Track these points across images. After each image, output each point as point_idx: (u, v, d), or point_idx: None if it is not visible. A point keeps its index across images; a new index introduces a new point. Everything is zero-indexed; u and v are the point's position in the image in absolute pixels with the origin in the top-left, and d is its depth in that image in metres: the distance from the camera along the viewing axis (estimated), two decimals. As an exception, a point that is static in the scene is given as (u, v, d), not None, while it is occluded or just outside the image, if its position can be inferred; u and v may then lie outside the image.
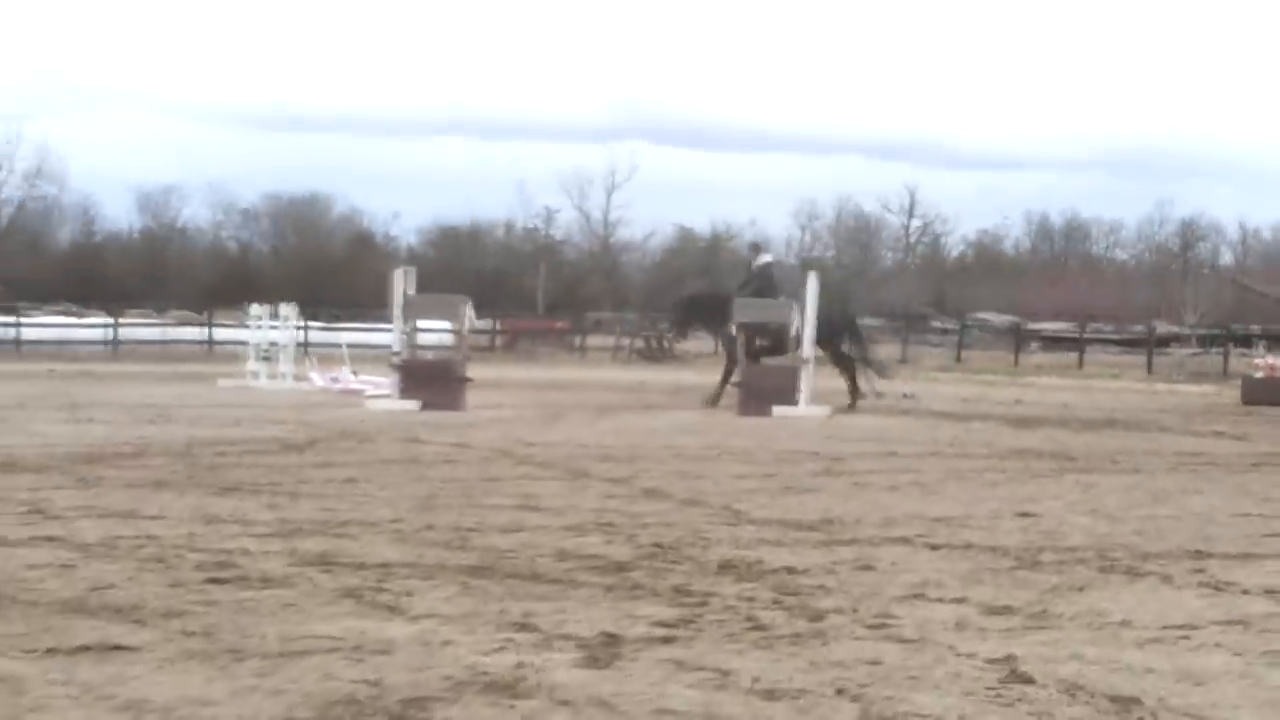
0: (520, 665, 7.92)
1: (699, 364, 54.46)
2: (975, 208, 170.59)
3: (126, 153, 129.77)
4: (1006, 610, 9.77)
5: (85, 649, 8.05)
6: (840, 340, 32.28)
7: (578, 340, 70.94)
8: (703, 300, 33.91)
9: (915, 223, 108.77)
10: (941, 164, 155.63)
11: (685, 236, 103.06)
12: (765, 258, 31.96)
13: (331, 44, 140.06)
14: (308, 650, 8.15)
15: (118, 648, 8.10)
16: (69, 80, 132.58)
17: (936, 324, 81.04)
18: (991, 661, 8.29)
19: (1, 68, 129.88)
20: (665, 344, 62.90)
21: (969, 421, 28.39)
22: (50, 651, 7.98)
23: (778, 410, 28.03)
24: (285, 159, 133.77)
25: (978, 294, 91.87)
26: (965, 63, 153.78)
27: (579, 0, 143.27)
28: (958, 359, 65.94)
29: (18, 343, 59.74)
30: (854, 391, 32.07)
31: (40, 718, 6.78)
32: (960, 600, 10.09)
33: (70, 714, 6.85)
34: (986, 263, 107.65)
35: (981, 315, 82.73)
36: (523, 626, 8.89)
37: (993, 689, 7.71)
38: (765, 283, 31.16)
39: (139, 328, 65.22)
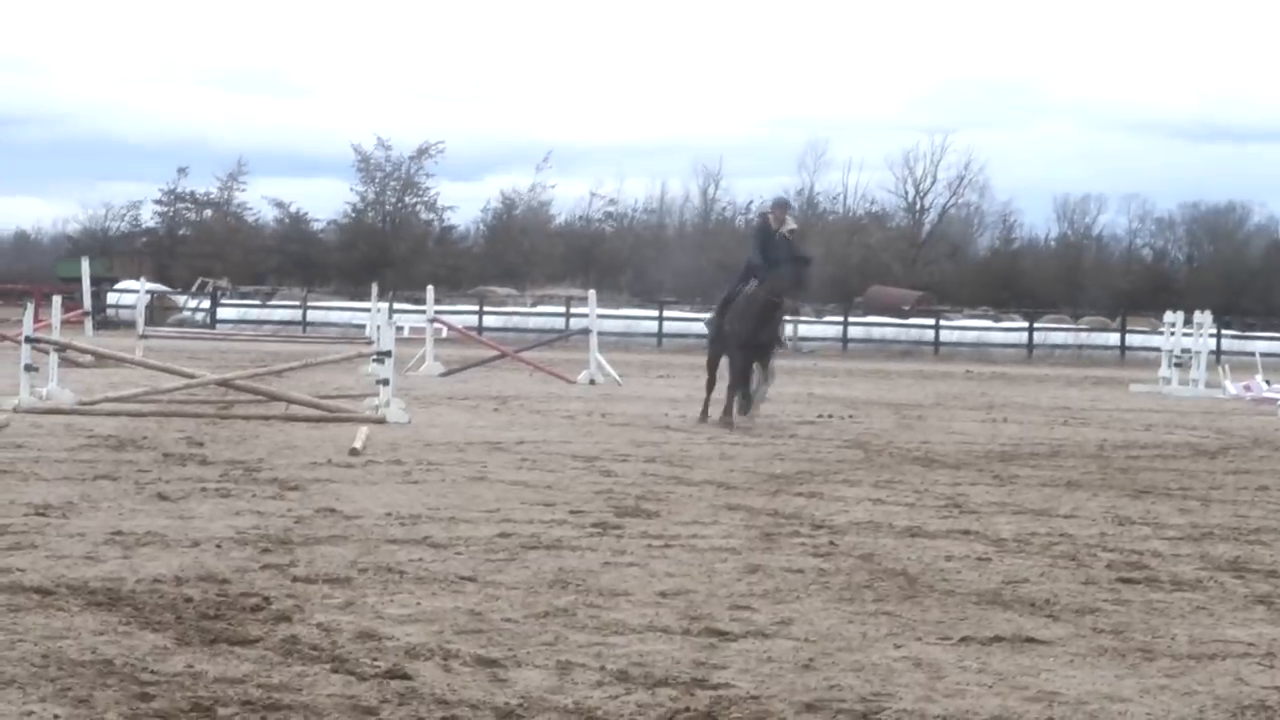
0: None
1: None
2: None
3: (1049, 162, 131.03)
4: None
5: (999, 639, 8.30)
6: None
7: None
8: None
9: None
10: None
11: None
12: (792, 224, 22.91)
13: (1260, 53, 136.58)
14: (1218, 654, 8.13)
15: (1031, 640, 8.31)
16: (1001, 92, 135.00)
17: None
18: None
19: (938, 81, 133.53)
20: None
21: None
22: (965, 640, 8.27)
23: None
24: (1205, 169, 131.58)
25: None
26: None
27: None
28: None
29: (936, 344, 61.46)
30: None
31: (955, 702, 7.04)
32: None
33: (984, 700, 7.08)
34: None
35: None
36: None
37: None
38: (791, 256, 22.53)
39: (1053, 332, 65.78)
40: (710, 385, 22.96)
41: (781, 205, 23.50)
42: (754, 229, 23.31)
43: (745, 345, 21.89)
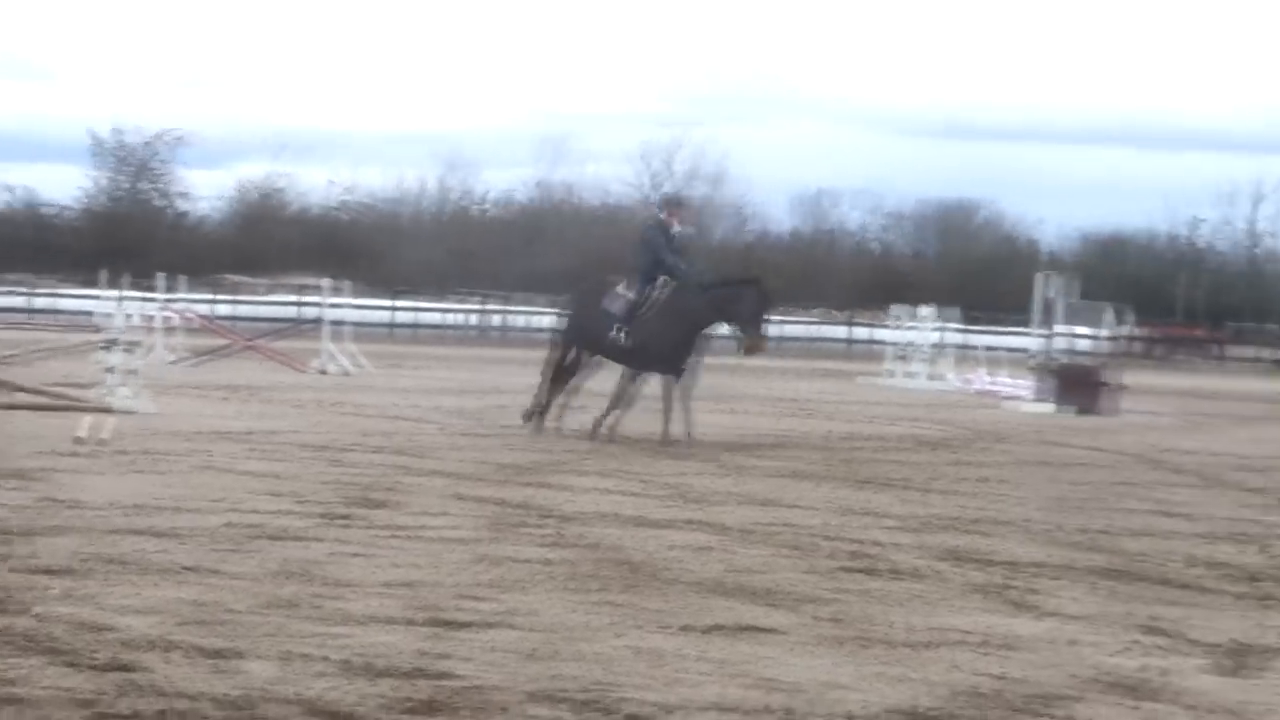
0: (1145, 668, 7.90)
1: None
2: None
3: (787, 158, 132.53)
4: None
5: (720, 627, 8.41)
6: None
7: (1218, 349, 69.29)
8: None
9: None
10: None
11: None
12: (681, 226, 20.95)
13: (995, 52, 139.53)
14: (934, 642, 8.32)
15: (751, 628, 8.44)
16: (744, 88, 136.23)
17: None
18: None
19: (677, 74, 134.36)
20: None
21: None
22: (686, 628, 8.37)
23: None
24: (939, 165, 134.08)
25: None
26: None
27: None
28: None
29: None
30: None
31: (675, 690, 7.12)
32: None
33: (704, 688, 7.17)
34: None
35: None
36: (1150, 630, 8.86)
37: None
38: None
39: (784, 324, 66.56)
40: (551, 389, 20.47)
41: (678, 203, 21.40)
42: (649, 229, 20.80)
43: (667, 361, 19.71)
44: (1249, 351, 66.81)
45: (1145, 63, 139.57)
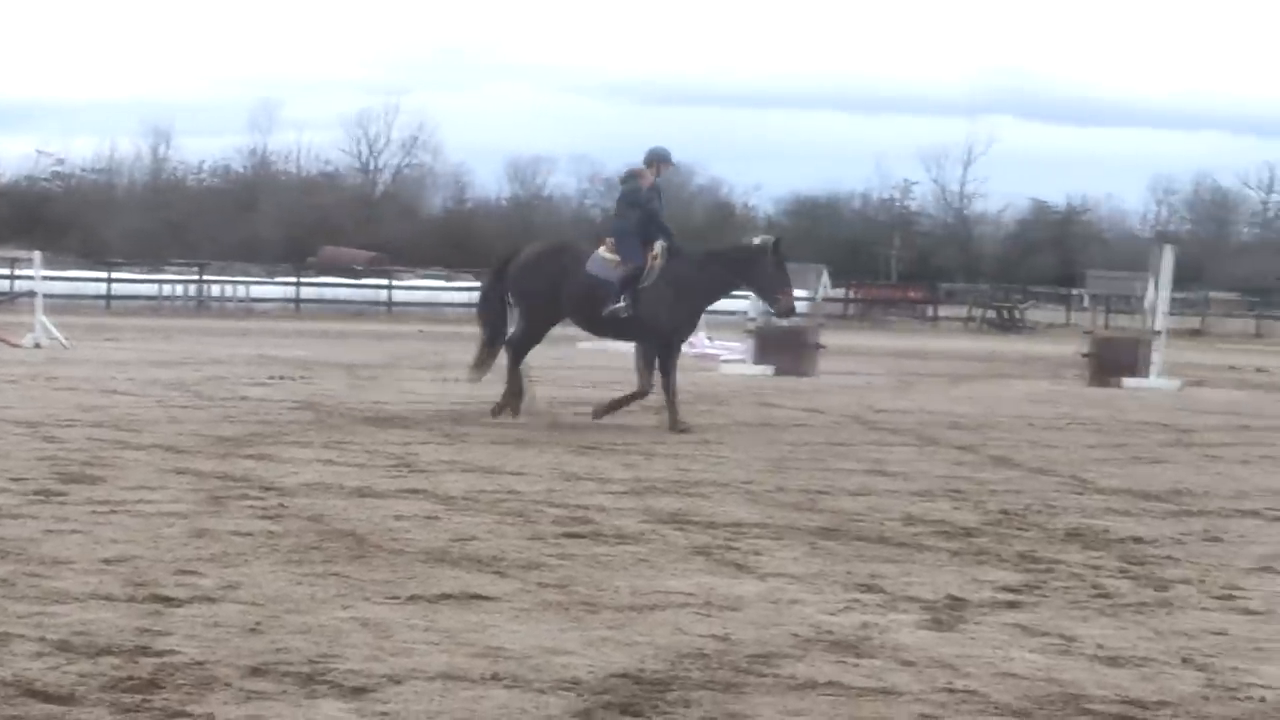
0: (865, 625, 8.06)
1: (1051, 334, 53.78)
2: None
3: (502, 124, 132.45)
4: (1360, 585, 9.63)
5: (447, 596, 8.41)
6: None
7: (930, 310, 70.83)
8: None
9: (1275, 198, 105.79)
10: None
11: (1039, 210, 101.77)
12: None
13: (705, 17, 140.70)
14: (658, 605, 8.40)
15: (477, 596, 8.44)
16: (457, 54, 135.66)
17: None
18: (1342, 636, 8.20)
19: (390, 41, 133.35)
20: (1017, 315, 63.23)
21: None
22: (413, 598, 8.35)
23: (1129, 382, 27.72)
24: (655, 131, 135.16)
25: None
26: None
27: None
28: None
29: (389, 304, 61.54)
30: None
31: (402, 660, 7.11)
32: (1312, 574, 9.98)
33: (431, 658, 7.16)
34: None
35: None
36: (869, 588, 9.04)
37: (1341, 663, 7.64)
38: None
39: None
40: (512, 368, 18.55)
41: (665, 159, 19.26)
42: (640, 188, 18.64)
43: (676, 333, 18.73)
44: (960, 311, 68.29)
45: (856, 27, 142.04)
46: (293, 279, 64.92)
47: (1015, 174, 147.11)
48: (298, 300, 61.62)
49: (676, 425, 17.90)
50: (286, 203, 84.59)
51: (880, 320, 66.54)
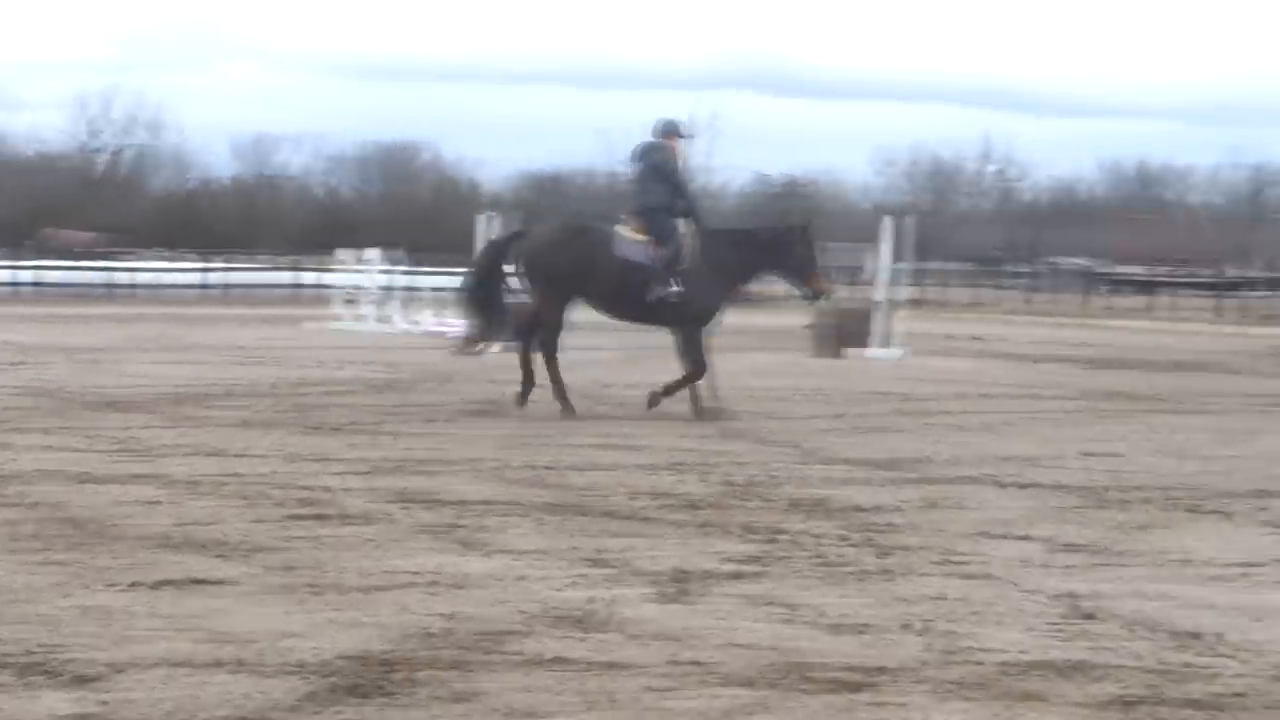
0: (593, 600, 8.11)
1: (775, 306, 54.48)
2: (1054, 155, 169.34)
3: (228, 103, 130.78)
4: (1071, 548, 9.92)
5: (169, 582, 8.29)
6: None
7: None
8: None
9: (991, 169, 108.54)
10: (1021, 111, 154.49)
11: (761, 182, 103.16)
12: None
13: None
14: (385, 585, 8.37)
15: (201, 581, 8.34)
16: (181, 33, 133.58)
17: (1008, 268, 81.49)
18: (1055, 597, 8.44)
19: (112, 20, 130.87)
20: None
21: (1039, 363, 28.67)
22: (135, 585, 8.22)
23: (853, 353, 28.25)
24: (380, 108, 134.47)
25: (1051, 239, 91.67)
26: (1050, 11, 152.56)
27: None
28: (1028, 301, 66.64)
29: (112, 287, 60.40)
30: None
31: (125, 648, 6.99)
32: (1025, 538, 10.25)
33: (154, 645, 7.06)
34: (1060, 208, 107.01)
35: (1053, 259, 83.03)
36: (596, 562, 9.09)
37: (1055, 624, 7.85)
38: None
39: (230, 271, 65.73)
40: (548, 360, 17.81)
41: (677, 132, 18.44)
42: (668, 160, 17.69)
43: (714, 317, 17.97)
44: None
45: (588, 4, 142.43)
46: (10, 262, 63.45)
47: (746, 149, 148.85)
48: (15, 284, 60.20)
49: (699, 411, 17.31)
50: (8, 184, 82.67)
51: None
